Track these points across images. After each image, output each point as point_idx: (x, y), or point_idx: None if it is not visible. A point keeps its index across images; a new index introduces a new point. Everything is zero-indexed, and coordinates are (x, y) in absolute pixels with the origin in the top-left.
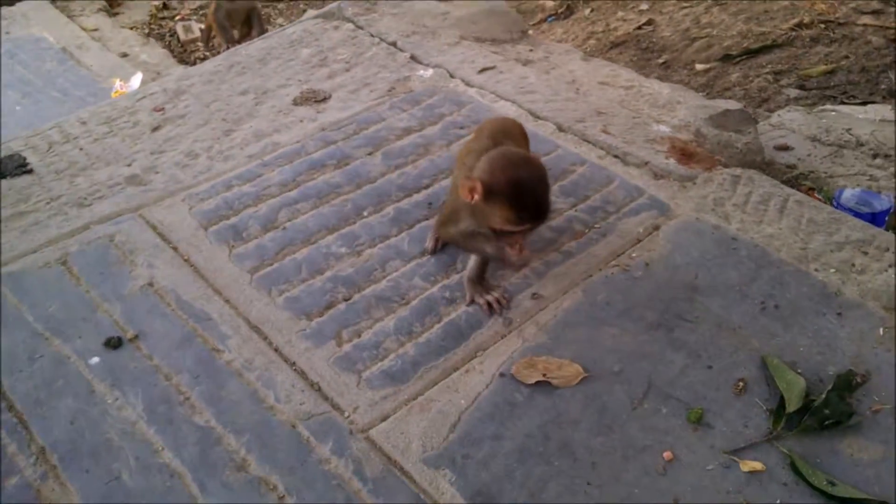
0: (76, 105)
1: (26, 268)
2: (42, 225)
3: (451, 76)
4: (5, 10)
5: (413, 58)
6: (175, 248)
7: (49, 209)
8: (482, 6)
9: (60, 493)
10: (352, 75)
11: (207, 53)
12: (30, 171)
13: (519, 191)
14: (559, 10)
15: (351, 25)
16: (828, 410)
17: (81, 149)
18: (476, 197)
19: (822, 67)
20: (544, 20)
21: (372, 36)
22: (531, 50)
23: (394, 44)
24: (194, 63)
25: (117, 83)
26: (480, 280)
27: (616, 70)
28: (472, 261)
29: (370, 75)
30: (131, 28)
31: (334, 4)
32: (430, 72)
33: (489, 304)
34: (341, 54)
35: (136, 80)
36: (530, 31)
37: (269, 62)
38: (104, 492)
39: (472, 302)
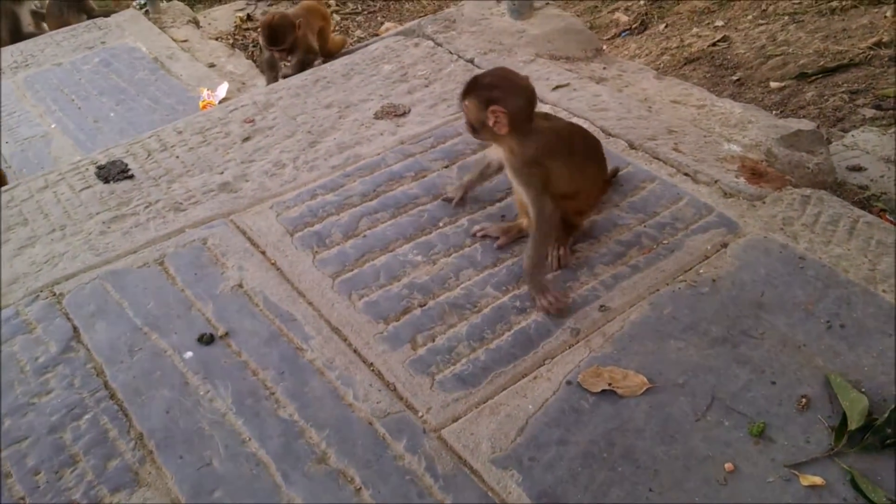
0: (166, 112)
1: (128, 267)
2: (142, 227)
3: None
4: (101, 21)
5: None
6: (263, 253)
7: (148, 212)
8: (558, 25)
9: (157, 476)
10: (430, 91)
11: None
12: (131, 177)
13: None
14: (633, 26)
15: (430, 43)
16: (890, 429)
17: (178, 157)
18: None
19: None
20: (618, 35)
21: (450, 53)
22: (605, 68)
23: (471, 61)
24: None
25: (205, 92)
26: (539, 277)
27: (689, 89)
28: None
29: (448, 91)
30: (217, 39)
31: (414, 22)
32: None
33: (545, 306)
34: (421, 70)
35: (223, 90)
36: (605, 49)
37: (352, 77)
38: (196, 477)
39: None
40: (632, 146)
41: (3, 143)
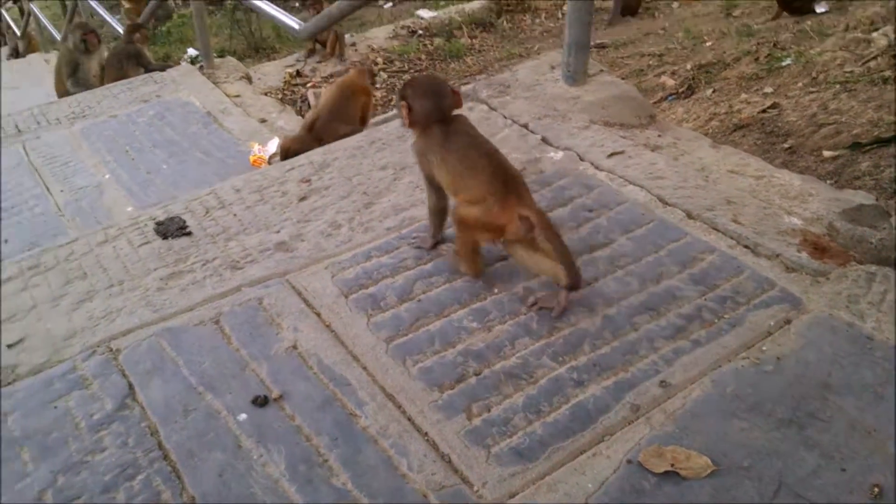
0: (217, 166)
1: (184, 324)
2: (199, 284)
3: (581, 159)
4: (158, 75)
5: (544, 140)
6: (318, 314)
7: (205, 270)
8: (612, 91)
9: None
10: None
11: None
12: (189, 234)
13: None
14: (680, 90)
15: (485, 107)
16: None
17: (235, 215)
18: None
19: None
20: (664, 98)
21: (505, 117)
22: (660, 135)
23: (525, 125)
24: None
25: (255, 147)
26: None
27: (745, 159)
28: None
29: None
30: (266, 93)
31: (469, 86)
32: (560, 154)
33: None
34: None
35: (273, 145)
36: (658, 117)
37: (406, 139)
38: None
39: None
40: (690, 216)
41: (59, 191)
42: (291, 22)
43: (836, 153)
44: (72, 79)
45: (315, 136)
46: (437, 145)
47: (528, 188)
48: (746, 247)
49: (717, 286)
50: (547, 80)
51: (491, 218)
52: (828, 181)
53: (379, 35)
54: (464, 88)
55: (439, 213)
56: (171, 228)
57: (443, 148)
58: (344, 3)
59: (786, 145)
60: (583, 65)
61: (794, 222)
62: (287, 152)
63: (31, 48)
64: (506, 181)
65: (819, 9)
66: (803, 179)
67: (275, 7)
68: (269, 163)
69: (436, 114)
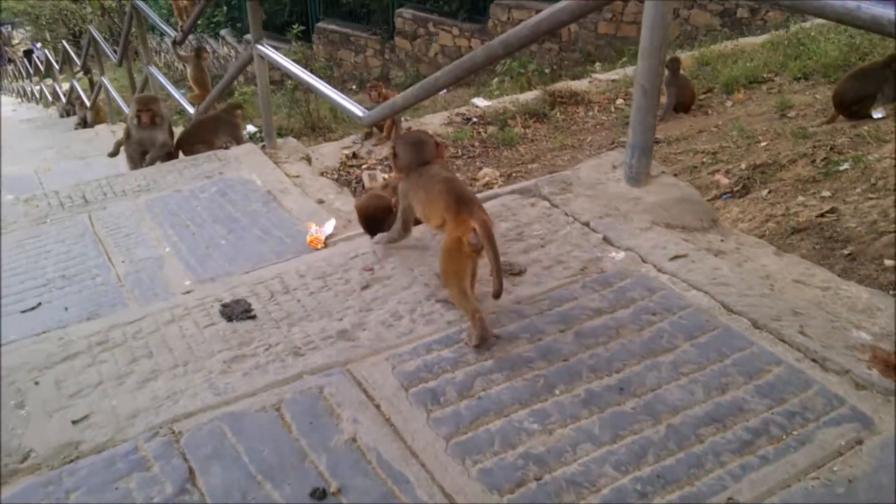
0: (275, 244)
1: (245, 409)
2: (261, 369)
3: (643, 261)
4: (222, 152)
5: (605, 239)
6: (377, 406)
7: (268, 355)
8: (674, 193)
9: None
10: (546, 251)
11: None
12: (253, 317)
13: None
14: (735, 189)
15: (546, 203)
16: None
17: (299, 300)
18: None
19: None
20: (719, 197)
21: (566, 215)
22: (722, 240)
23: (587, 224)
24: None
25: (313, 228)
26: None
27: (811, 269)
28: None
29: (564, 253)
30: (322, 173)
31: (531, 182)
32: (621, 254)
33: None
34: (536, 230)
35: (330, 226)
36: (720, 220)
37: None
38: None
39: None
40: (755, 325)
41: (120, 262)
42: (356, 109)
43: None
44: (125, 146)
45: None
46: (413, 184)
47: (482, 208)
48: (814, 360)
49: (784, 400)
50: (609, 179)
51: (450, 233)
52: (890, 291)
53: (434, 121)
54: (525, 184)
55: (397, 240)
56: (237, 311)
57: (417, 185)
58: (409, 93)
59: (845, 252)
60: (645, 167)
61: (862, 337)
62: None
63: (98, 119)
64: (458, 201)
65: (876, 114)
66: (871, 293)
67: (339, 94)
68: (326, 244)
69: (416, 161)
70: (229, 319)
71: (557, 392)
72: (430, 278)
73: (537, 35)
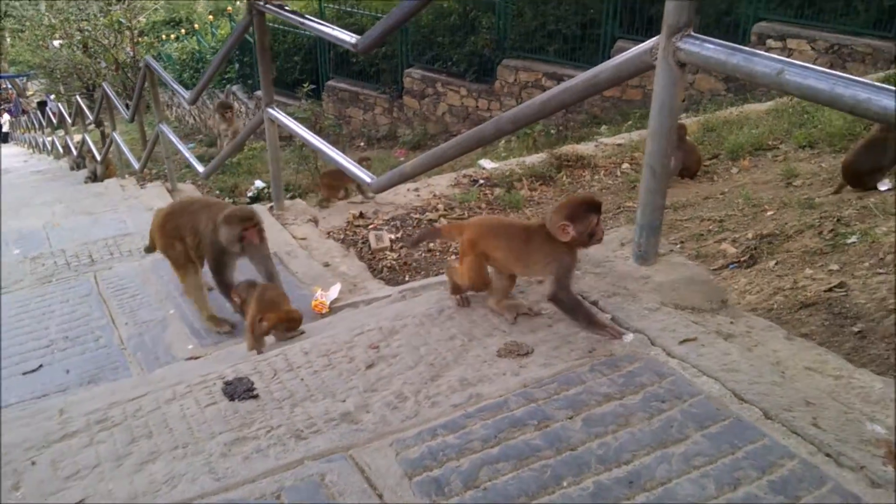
0: None
1: (244, 497)
2: (262, 453)
3: (652, 343)
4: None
5: (614, 319)
6: (380, 496)
7: (269, 438)
8: (683, 273)
9: None
10: (554, 331)
11: (394, 262)
12: (256, 396)
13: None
14: (741, 259)
15: None
16: None
17: (302, 379)
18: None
19: None
20: (726, 266)
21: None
22: (732, 322)
23: (595, 303)
24: (381, 270)
25: (318, 292)
26: None
27: (823, 355)
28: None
29: (571, 333)
30: (328, 233)
31: None
32: (630, 336)
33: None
34: (544, 309)
35: (335, 291)
36: (731, 302)
37: (476, 309)
38: None
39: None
40: (767, 415)
41: (124, 324)
42: (364, 175)
43: None
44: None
45: None
46: None
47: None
48: (828, 455)
49: (798, 497)
50: (617, 257)
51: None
52: None
53: (441, 182)
54: None
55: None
56: (239, 390)
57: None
58: (418, 161)
59: (855, 329)
60: (654, 246)
61: (877, 430)
62: None
63: (108, 173)
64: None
65: (882, 186)
66: (884, 382)
67: (349, 160)
68: (330, 308)
69: None
70: (231, 398)
71: (565, 484)
72: (436, 358)
73: (545, 112)
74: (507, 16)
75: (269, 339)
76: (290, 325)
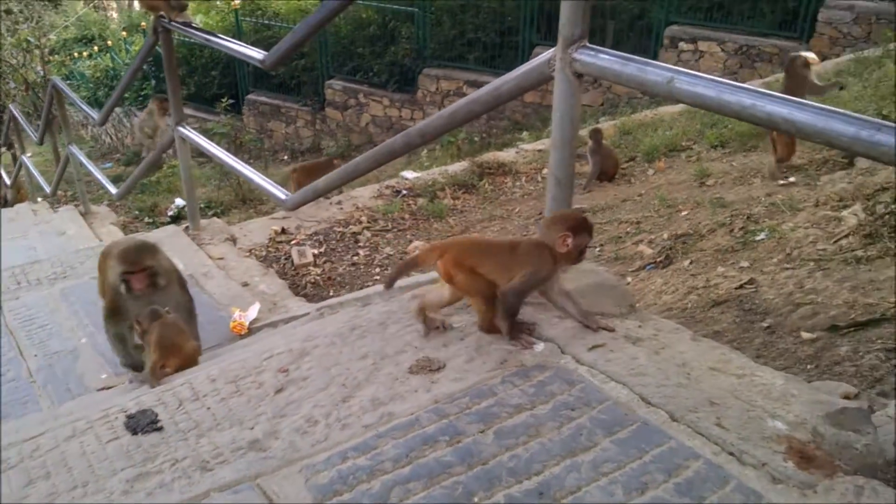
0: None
1: None
2: (166, 488)
3: (563, 351)
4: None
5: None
6: None
7: (173, 471)
8: (592, 279)
9: None
10: (466, 344)
11: (318, 277)
12: (160, 429)
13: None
14: (658, 259)
15: None
16: None
17: (208, 408)
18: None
19: None
20: (643, 268)
21: None
22: (640, 326)
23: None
24: (305, 286)
25: (236, 313)
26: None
27: (727, 354)
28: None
29: (484, 345)
30: (250, 251)
31: None
32: (541, 346)
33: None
34: (457, 322)
35: (254, 311)
36: (639, 306)
37: (388, 326)
38: None
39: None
40: (673, 418)
41: (32, 356)
42: (279, 193)
43: (815, 335)
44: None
45: None
46: None
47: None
48: (732, 454)
49: (703, 498)
50: None
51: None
52: (808, 366)
53: (364, 194)
54: None
55: None
56: (142, 423)
57: None
58: (331, 177)
59: (764, 324)
60: None
61: (778, 427)
62: None
63: (19, 197)
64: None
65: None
66: (785, 378)
67: (262, 177)
68: (250, 329)
69: None
70: (134, 432)
71: (476, 500)
72: (348, 378)
73: (454, 124)
74: (426, 25)
75: None
76: (193, 365)
